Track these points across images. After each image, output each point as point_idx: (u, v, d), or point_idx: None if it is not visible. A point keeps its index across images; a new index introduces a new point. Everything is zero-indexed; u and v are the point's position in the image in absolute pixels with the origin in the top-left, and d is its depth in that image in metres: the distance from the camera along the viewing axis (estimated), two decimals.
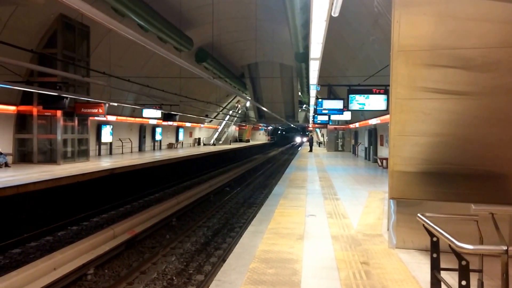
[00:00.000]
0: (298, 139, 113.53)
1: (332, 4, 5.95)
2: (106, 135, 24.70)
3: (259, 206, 16.06)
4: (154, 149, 33.10)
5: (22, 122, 18.35)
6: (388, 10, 7.46)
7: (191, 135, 43.69)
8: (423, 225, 4.05)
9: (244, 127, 66.37)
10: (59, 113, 18.11)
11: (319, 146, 55.49)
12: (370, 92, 13.51)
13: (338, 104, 17.83)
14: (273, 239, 6.67)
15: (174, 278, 8.78)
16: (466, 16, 5.58)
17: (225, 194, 19.97)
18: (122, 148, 27.32)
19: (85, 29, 18.71)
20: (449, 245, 3.29)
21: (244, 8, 24.00)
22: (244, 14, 24.79)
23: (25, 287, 7.18)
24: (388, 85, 6.06)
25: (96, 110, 19.00)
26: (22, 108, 18.11)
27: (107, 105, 19.00)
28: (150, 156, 24.82)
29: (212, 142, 48.54)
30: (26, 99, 17.95)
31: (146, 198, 17.88)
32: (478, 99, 5.61)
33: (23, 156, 18.56)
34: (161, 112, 26.29)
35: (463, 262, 3.29)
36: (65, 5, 5.07)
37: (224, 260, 8.25)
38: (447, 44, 5.68)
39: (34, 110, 18.09)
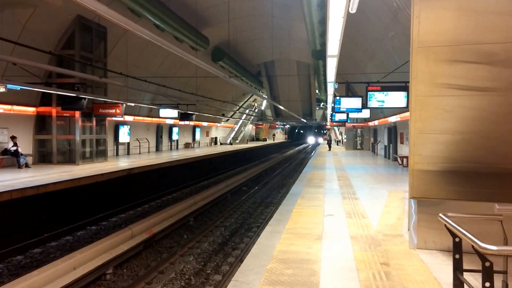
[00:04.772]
0: (311, 140, 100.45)
1: (350, 0, 5.86)
2: (124, 135, 24.89)
3: (276, 205, 15.99)
4: (171, 148, 33.28)
5: (41, 123, 18.60)
6: (407, 4, 7.34)
7: (207, 135, 43.82)
8: (445, 225, 3.96)
9: (261, 126, 66.31)
10: (77, 114, 18.31)
11: (337, 144, 55.24)
12: (389, 89, 13.34)
13: (356, 101, 17.63)
14: (291, 239, 6.60)
15: (192, 278, 8.77)
16: (489, 10, 5.43)
17: (242, 193, 19.94)
18: (140, 148, 27.52)
19: (102, 30, 18.88)
20: (472, 246, 3.21)
21: (260, 6, 23.95)
22: (260, 11, 24.75)
23: (46, 286, 7.24)
24: (408, 82, 5.93)
25: (113, 111, 19.16)
26: (42, 109, 18.34)
27: (124, 105, 19.15)
28: (167, 156, 24.94)
29: (228, 141, 48.59)
30: (45, 100, 18.20)
31: (163, 198, 17.94)
32: (502, 95, 5.45)
33: (43, 156, 18.80)
34: (178, 112, 26.40)
35: (487, 264, 3.21)
36: (82, 6, 5.07)
37: (241, 260, 8.21)
38: (469, 39, 5.53)
39: (53, 111, 18.32)
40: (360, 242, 6.42)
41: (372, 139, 34.91)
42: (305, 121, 52.18)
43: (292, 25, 25.80)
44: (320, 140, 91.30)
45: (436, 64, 5.67)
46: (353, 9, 6.20)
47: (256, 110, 58.55)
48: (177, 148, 34.35)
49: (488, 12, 5.44)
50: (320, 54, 21.92)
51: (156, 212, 12.79)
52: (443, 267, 5.19)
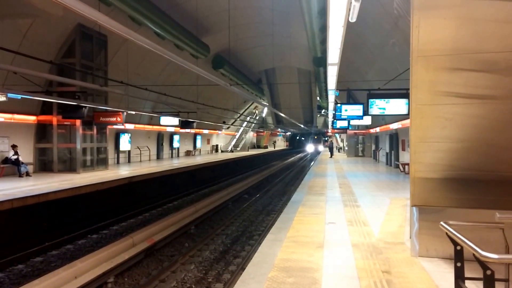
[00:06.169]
0: (310, 148, 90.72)
1: (349, 9, 5.87)
2: (125, 143, 24.91)
3: (277, 213, 15.96)
4: (172, 156, 33.27)
5: (42, 132, 18.62)
6: (407, 12, 7.36)
7: (208, 142, 43.81)
8: (446, 233, 3.96)
9: (261, 133, 66.31)
10: (78, 122, 18.32)
11: (338, 151, 55.17)
12: (390, 96, 13.34)
13: (357, 108, 17.64)
14: (292, 247, 6.59)
15: (193, 286, 8.75)
16: (488, 18, 5.45)
17: (244, 201, 19.91)
18: (140, 156, 27.52)
19: (103, 38, 18.95)
20: (473, 254, 3.20)
21: (260, 14, 24.03)
22: (260, 19, 24.82)
23: None
24: (409, 89, 5.95)
25: (114, 119, 19.15)
26: (42, 118, 18.37)
27: (125, 113, 19.15)
28: (168, 164, 24.93)
29: (230, 148, 48.57)
30: (45, 109, 18.24)
31: (164, 206, 17.90)
32: (502, 103, 5.46)
33: (44, 165, 18.81)
34: (179, 120, 26.42)
35: (488, 272, 3.20)
36: (82, 16, 5.09)
37: (243, 269, 8.18)
38: (468, 47, 5.54)
39: (54, 119, 18.34)
40: (362, 250, 6.40)
41: (373, 146, 34.89)
42: (306, 128, 52.13)
43: (293, 32, 25.84)
44: (321, 148, 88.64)
45: (436, 73, 5.69)
46: (353, 18, 6.22)
47: (257, 118, 58.58)
48: (178, 156, 34.34)
49: (487, 21, 5.46)
50: (321, 61, 21.97)
51: (157, 220, 12.76)
52: (445, 275, 5.17)
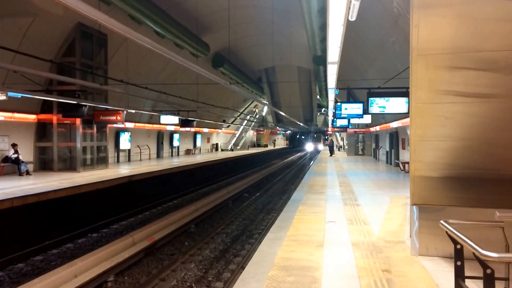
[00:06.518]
0: (310, 146, 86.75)
1: (349, 8, 5.87)
2: (125, 142, 24.91)
3: (278, 212, 15.95)
4: (172, 155, 33.27)
5: (42, 131, 18.61)
6: (407, 10, 7.36)
7: (208, 141, 43.79)
8: (446, 232, 3.96)
9: (261, 132, 66.26)
10: (78, 121, 18.32)
11: (338, 150, 55.14)
12: (390, 94, 13.32)
13: (357, 107, 17.61)
14: (292, 246, 6.59)
15: (193, 285, 8.75)
16: (487, 17, 5.45)
17: (244, 200, 19.91)
18: (140, 154, 27.52)
19: (103, 37, 18.93)
20: (473, 253, 3.20)
21: (260, 12, 23.99)
22: (260, 18, 24.79)
23: None
24: (409, 87, 5.95)
25: (114, 118, 19.13)
26: (42, 116, 18.36)
27: (125, 112, 19.13)
28: (168, 163, 24.93)
29: (230, 147, 48.55)
30: (46, 107, 18.22)
31: (164, 205, 17.90)
32: (502, 102, 5.46)
33: (44, 164, 18.80)
34: (179, 118, 26.38)
35: (488, 271, 3.21)
36: (83, 15, 5.08)
37: (243, 267, 8.18)
38: (468, 46, 5.54)
39: (54, 118, 18.33)
40: (362, 249, 6.40)
41: (373, 145, 34.87)
42: (306, 127, 52.09)
43: (293, 31, 25.82)
44: (321, 146, 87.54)
45: (436, 72, 5.69)
46: (352, 17, 6.22)
47: (257, 116, 58.54)
48: (178, 154, 34.33)
49: (487, 19, 5.46)
50: (321, 60, 21.94)
51: (157, 219, 12.77)
52: (445, 273, 5.17)
